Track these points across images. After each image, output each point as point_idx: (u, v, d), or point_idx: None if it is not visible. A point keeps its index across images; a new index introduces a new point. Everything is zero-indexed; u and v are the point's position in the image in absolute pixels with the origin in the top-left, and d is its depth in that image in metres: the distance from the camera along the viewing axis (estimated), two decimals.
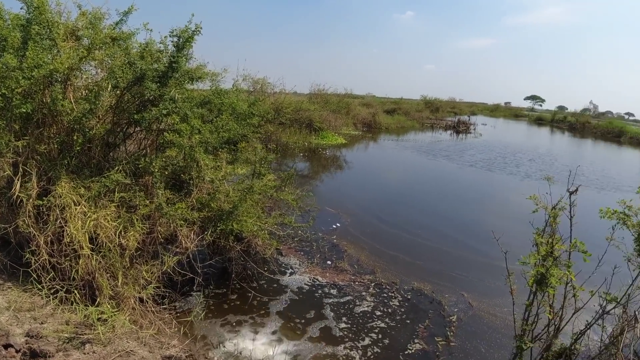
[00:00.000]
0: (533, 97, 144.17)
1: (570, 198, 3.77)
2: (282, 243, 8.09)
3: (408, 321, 6.02)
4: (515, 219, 11.18)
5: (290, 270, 7.24)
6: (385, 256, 8.22)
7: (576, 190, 3.85)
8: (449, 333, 5.81)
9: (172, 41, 5.60)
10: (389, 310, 6.26)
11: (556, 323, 3.69)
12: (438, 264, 8.06)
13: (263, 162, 7.01)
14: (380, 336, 5.58)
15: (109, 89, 5.39)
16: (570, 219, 3.70)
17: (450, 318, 6.19)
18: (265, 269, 6.97)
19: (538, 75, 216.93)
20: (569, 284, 3.48)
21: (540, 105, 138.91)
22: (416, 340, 5.57)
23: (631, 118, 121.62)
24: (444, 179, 17.05)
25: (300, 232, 8.93)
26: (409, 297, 6.71)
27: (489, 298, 6.81)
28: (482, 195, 14.74)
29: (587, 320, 3.89)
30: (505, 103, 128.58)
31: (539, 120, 74.60)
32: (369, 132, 32.90)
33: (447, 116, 55.17)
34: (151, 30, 5.77)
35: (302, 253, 8.02)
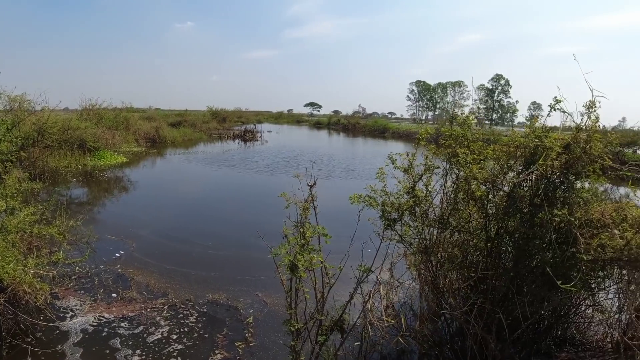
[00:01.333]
0: (312, 104, 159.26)
1: (310, 190, 4.33)
2: (56, 285, 7.15)
3: (206, 335, 6.01)
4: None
5: (71, 313, 6.45)
6: (177, 275, 8.03)
7: (314, 183, 4.44)
8: (247, 335, 6.00)
9: None
10: (186, 329, 6.15)
11: (319, 301, 4.21)
12: (231, 271, 8.26)
13: (16, 194, 6.08)
14: (179, 359, 5.46)
15: None
16: (314, 209, 4.25)
17: (247, 320, 6.39)
18: (41, 318, 6.07)
19: (316, 83, 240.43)
20: (322, 264, 4.00)
21: (319, 111, 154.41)
22: (217, 351, 5.60)
23: (393, 116, 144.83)
24: (232, 187, 17.56)
25: (78, 268, 8.03)
26: (205, 310, 6.70)
27: (280, 292, 7.24)
28: (265, 197, 15.47)
29: (349, 292, 4.49)
30: (289, 110, 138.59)
31: (317, 124, 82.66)
32: (154, 148, 31.08)
33: (235, 125, 56.48)
34: None
35: (82, 292, 7.20)
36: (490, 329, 4.41)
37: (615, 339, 4.92)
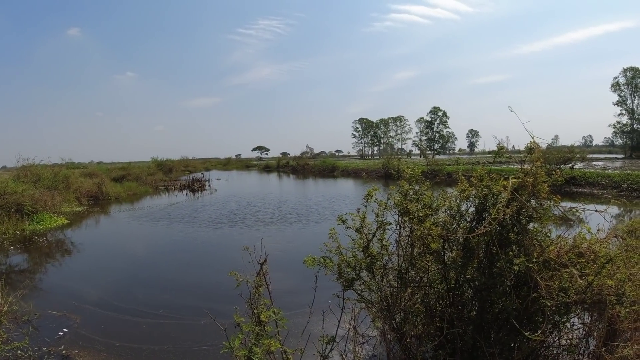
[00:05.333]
0: (260, 147, 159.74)
1: (262, 268, 4.08)
2: None
3: None
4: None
5: None
6: (127, 352, 7.31)
7: (265, 260, 4.19)
8: None
9: None
10: None
11: None
12: (186, 342, 7.63)
13: None
14: None
15: None
16: (267, 287, 3.98)
17: None
18: None
19: (262, 126, 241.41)
20: (282, 348, 3.70)
21: (267, 154, 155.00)
22: None
23: (340, 154, 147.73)
24: (181, 246, 16.66)
25: (20, 352, 7.18)
26: None
27: None
28: (217, 255, 14.85)
29: None
30: (237, 155, 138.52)
31: (267, 168, 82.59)
32: (97, 206, 29.43)
33: (182, 175, 55.34)
34: None
35: None
36: None
37: None
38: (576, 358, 4.88)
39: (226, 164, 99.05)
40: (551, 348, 5.03)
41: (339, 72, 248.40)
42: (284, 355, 3.73)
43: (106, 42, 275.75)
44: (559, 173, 4.18)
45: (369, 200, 4.40)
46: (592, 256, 3.98)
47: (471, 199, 4.10)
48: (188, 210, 25.70)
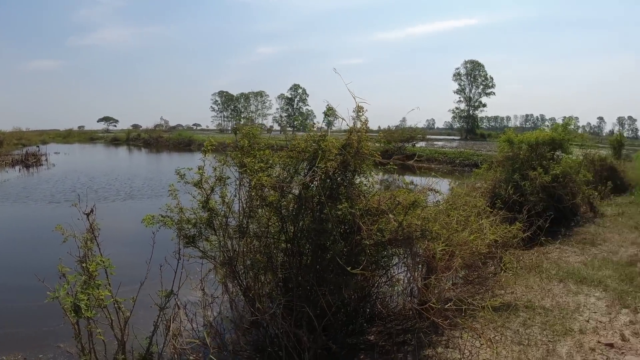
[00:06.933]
0: (107, 119, 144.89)
1: (88, 219, 3.95)
2: None
3: None
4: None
5: None
6: None
7: (92, 211, 4.06)
8: None
9: None
10: None
11: (119, 339, 3.85)
12: (24, 326, 6.75)
13: None
14: None
15: None
16: (96, 239, 3.88)
17: None
18: None
19: (111, 96, 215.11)
20: (113, 299, 3.67)
21: (115, 126, 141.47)
22: None
23: (198, 128, 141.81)
24: (15, 225, 14.80)
25: None
26: None
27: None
28: (49, 234, 13.57)
29: (154, 322, 4.19)
30: (79, 127, 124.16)
31: (115, 141, 75.68)
32: None
33: (14, 149, 48.05)
34: None
35: None
36: (301, 324, 4.63)
37: (413, 305, 5.69)
38: (403, 290, 5.72)
39: (67, 136, 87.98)
40: (378, 286, 5.82)
41: (196, 42, 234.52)
42: (116, 305, 3.71)
43: None
44: (382, 134, 4.78)
45: (206, 154, 4.49)
46: (406, 204, 4.67)
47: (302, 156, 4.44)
48: (21, 187, 22.57)
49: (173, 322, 4.02)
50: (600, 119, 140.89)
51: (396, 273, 5.84)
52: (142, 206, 16.86)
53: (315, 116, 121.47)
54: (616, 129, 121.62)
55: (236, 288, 5.16)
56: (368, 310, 5.74)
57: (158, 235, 4.45)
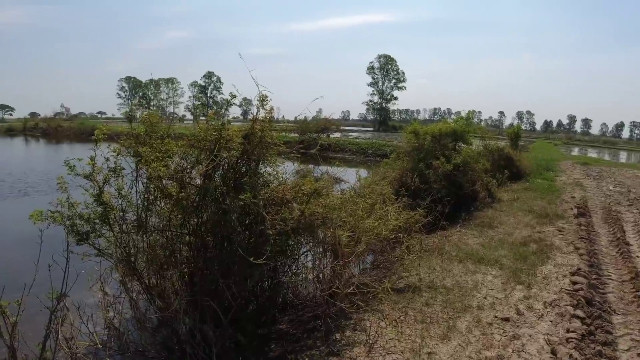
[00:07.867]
0: (2, 107, 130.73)
1: None
2: None
3: None
4: None
5: None
6: None
7: None
8: None
9: None
10: None
11: (9, 346, 3.53)
12: None
13: None
14: None
15: None
16: None
17: None
18: None
19: (4, 82, 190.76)
20: None
21: (11, 114, 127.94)
22: None
23: (103, 116, 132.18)
24: None
25: None
26: None
27: None
28: None
29: (44, 326, 3.89)
30: None
31: (10, 131, 68.41)
32: None
33: None
34: None
35: None
36: (205, 319, 4.53)
37: (319, 293, 5.79)
38: (313, 277, 5.80)
39: None
40: (288, 275, 5.86)
41: (97, 23, 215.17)
42: (1, 309, 3.40)
43: None
44: (286, 124, 4.78)
45: (98, 144, 4.21)
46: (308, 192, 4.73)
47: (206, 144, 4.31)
48: None
49: (62, 325, 3.74)
50: (501, 113, 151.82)
51: (305, 261, 5.92)
52: (38, 204, 15.37)
53: (231, 105, 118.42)
54: (515, 122, 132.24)
55: (137, 286, 4.91)
56: (280, 299, 5.76)
57: (52, 234, 4.12)
